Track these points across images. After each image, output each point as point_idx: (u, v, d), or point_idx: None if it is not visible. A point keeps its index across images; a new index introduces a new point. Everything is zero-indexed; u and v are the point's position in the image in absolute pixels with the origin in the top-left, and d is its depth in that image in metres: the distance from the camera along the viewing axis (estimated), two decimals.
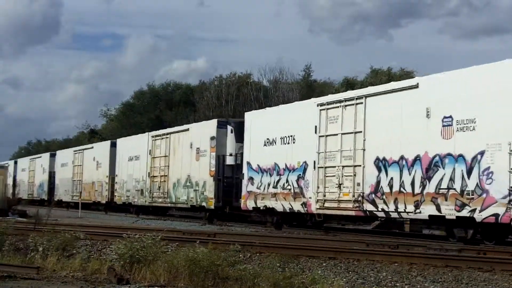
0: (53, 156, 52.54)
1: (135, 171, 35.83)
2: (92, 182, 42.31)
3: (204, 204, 28.64)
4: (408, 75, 46.68)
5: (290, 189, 23.10)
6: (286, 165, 23.39)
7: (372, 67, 53.42)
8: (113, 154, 39.53)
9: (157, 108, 63.30)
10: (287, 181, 23.24)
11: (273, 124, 24.38)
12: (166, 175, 32.20)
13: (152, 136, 34.24)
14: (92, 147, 44.06)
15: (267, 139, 24.58)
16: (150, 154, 34.04)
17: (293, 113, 23.94)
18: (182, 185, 30.58)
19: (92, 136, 68.92)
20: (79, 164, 45.19)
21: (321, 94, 30.58)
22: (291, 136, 23.42)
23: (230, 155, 27.60)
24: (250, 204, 25.26)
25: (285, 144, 23.72)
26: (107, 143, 41.63)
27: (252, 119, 26.08)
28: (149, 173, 34.08)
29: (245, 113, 27.81)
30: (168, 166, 32.02)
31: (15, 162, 64.19)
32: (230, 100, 53.71)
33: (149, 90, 66.70)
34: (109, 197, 39.65)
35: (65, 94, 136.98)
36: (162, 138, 33.10)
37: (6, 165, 55.52)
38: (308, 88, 53.31)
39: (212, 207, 28.04)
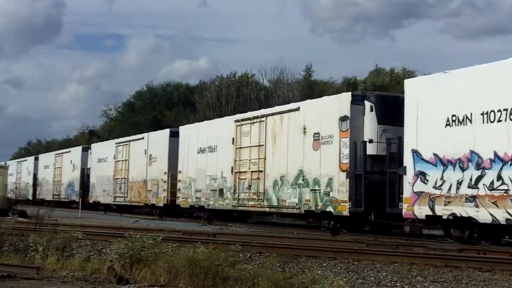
0: (85, 150, 45.97)
1: (210, 165, 28.71)
2: (143, 180, 35.04)
3: (330, 209, 21.13)
4: (410, 75, 46.72)
5: (507, 190, 15.66)
6: (496, 154, 15.89)
7: (377, 66, 53.33)
8: (174, 145, 32.20)
9: (157, 108, 63.31)
10: (499, 178, 15.82)
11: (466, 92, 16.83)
12: (261, 170, 25.33)
13: (237, 121, 27.17)
14: (143, 138, 36.44)
15: (453, 116, 16.93)
16: (234, 143, 27.02)
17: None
18: (290, 183, 23.40)
19: (91, 137, 68.86)
20: (124, 159, 38.05)
21: (323, 94, 30.63)
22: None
23: (370, 141, 20.36)
24: (421, 211, 17.59)
25: (495, 121, 16.04)
26: (165, 132, 34.01)
27: (424, 84, 18.32)
28: (232, 167, 27.05)
29: (424, 77, 20.20)
30: (265, 158, 25.02)
31: (36, 158, 57.47)
32: (230, 100, 53.69)
33: (149, 90, 66.76)
34: (168, 198, 32.45)
35: (66, 94, 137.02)
36: (252, 123, 25.93)
37: (7, 165, 55.56)
38: (309, 88, 53.30)
39: (345, 213, 20.62)
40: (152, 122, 58.77)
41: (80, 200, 38.71)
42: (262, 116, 25.25)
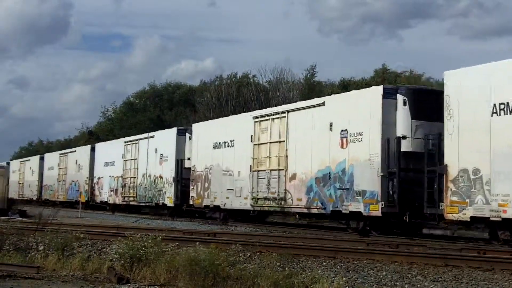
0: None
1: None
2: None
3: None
4: (415, 76, 46.78)
5: None
6: None
7: (384, 65, 53.16)
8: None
9: (159, 108, 63.34)
10: None
11: None
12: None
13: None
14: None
15: None
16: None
17: None
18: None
19: (90, 137, 68.84)
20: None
21: (322, 94, 30.61)
22: None
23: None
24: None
25: None
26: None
27: None
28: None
29: None
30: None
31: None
32: (230, 101, 53.71)
33: (150, 90, 66.83)
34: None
35: (71, 94, 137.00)
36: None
37: (7, 164, 55.41)
38: (309, 88, 53.29)
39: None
40: (155, 122, 58.76)
41: (80, 200, 38.11)
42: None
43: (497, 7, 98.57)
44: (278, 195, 23.64)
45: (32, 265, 11.78)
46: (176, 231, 18.90)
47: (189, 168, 30.03)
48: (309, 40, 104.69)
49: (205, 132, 29.49)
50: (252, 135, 25.39)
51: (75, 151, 48.44)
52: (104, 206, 40.25)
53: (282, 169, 23.48)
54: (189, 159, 30.50)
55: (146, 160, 34.85)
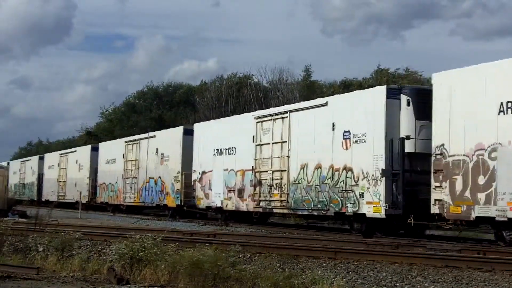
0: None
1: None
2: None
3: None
4: (412, 75, 46.69)
5: None
6: None
7: (379, 66, 53.14)
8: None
9: (159, 108, 63.36)
10: None
11: None
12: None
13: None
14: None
15: None
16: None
17: None
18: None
19: (90, 137, 68.85)
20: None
21: (322, 95, 30.56)
22: None
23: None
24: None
25: None
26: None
27: None
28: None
29: None
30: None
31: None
32: (230, 101, 53.72)
33: (150, 90, 66.84)
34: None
35: (73, 95, 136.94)
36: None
37: (7, 165, 55.35)
38: (308, 89, 53.29)
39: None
40: (156, 122, 58.75)
41: (80, 201, 36.92)
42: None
43: (501, 7, 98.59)
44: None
45: (32, 266, 11.79)
46: (176, 231, 18.89)
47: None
48: (312, 40, 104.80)
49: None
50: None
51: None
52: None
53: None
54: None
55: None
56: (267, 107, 34.12)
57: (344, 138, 20.40)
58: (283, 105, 31.11)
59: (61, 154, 49.71)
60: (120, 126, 64.70)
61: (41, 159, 54.29)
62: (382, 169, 18.69)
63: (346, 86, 48.40)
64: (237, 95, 54.14)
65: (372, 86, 26.71)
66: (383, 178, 18.68)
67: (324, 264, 12.45)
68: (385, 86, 20.15)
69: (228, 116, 34.61)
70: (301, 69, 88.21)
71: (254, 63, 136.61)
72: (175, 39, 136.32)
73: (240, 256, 12.86)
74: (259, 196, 24.49)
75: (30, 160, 59.00)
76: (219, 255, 10.64)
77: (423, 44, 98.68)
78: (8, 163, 64.65)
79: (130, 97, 68.89)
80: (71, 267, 12.22)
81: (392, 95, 19.17)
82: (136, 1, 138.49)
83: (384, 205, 18.59)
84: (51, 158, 52.22)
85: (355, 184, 19.72)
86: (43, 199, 50.35)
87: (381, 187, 18.74)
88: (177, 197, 30.56)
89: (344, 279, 10.91)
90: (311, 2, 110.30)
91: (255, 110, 32.18)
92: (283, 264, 12.38)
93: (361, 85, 45.38)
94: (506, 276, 10.94)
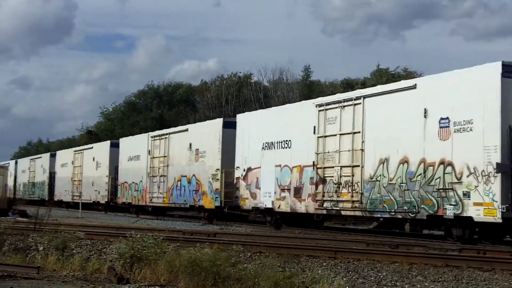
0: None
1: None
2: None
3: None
4: (411, 75, 46.73)
5: None
6: None
7: (379, 66, 53.18)
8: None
9: (159, 107, 63.42)
10: None
11: None
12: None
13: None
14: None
15: None
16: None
17: None
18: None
19: (90, 137, 68.93)
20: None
21: (322, 95, 30.47)
22: None
23: None
24: None
25: None
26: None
27: None
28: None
29: None
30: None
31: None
32: (230, 100, 53.76)
33: (150, 89, 66.93)
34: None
35: (73, 94, 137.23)
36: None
37: (7, 164, 55.24)
38: (308, 88, 53.33)
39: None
40: (157, 121, 58.78)
41: (78, 201, 35.62)
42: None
43: (502, 7, 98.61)
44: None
45: (32, 265, 11.79)
46: (177, 231, 18.90)
47: None
48: (312, 40, 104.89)
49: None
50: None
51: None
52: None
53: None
54: None
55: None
56: (267, 106, 33.72)
57: (440, 127, 17.46)
58: (284, 104, 30.37)
59: (76, 151, 46.80)
60: (120, 125, 64.76)
61: (53, 156, 51.54)
62: (497, 163, 15.76)
63: (349, 86, 48.45)
64: (237, 95, 54.20)
65: (373, 85, 26.20)
66: (499, 174, 15.77)
67: (324, 264, 12.46)
68: (501, 61, 16.32)
69: (228, 115, 33.93)
70: (301, 69, 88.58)
71: (254, 63, 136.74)
72: (175, 39, 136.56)
73: (241, 255, 12.86)
74: (323, 196, 21.56)
75: (40, 157, 56.15)
76: (219, 254, 10.64)
77: (423, 44, 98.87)
78: (16, 161, 64.22)
79: (130, 96, 69.04)
80: (71, 266, 12.21)
81: (509, 73, 16.13)
82: (136, 1, 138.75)
83: (500, 207, 15.67)
84: (64, 155, 49.21)
85: (457, 181, 16.78)
86: (55, 199, 48.00)
87: (495, 185, 15.81)
88: (216, 198, 27.52)
89: (345, 279, 10.91)
90: (311, 2, 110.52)
91: (255, 110, 31.59)
92: (284, 263, 12.38)
93: (364, 84, 45.35)
94: (506, 275, 10.95)
